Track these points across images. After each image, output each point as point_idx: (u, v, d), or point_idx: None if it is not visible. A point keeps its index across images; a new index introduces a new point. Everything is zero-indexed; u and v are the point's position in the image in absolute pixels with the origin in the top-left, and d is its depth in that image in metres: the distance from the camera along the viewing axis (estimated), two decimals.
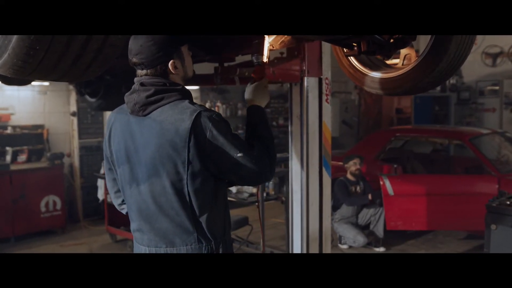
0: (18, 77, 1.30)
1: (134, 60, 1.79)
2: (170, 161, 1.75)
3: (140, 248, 1.91)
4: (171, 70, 1.81)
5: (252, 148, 1.80)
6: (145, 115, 1.79)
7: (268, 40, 2.23)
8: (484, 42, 9.19)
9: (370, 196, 5.80)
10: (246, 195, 5.14)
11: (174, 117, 1.73)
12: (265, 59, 2.21)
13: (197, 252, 1.80)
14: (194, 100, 1.88)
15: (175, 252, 1.81)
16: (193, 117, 1.70)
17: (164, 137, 1.74)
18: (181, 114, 1.72)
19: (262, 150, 1.82)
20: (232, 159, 1.73)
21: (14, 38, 1.16)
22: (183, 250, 1.81)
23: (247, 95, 2.09)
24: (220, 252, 1.85)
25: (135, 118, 1.82)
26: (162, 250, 1.83)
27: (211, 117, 1.72)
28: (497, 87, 9.32)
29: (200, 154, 1.73)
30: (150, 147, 1.78)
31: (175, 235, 1.80)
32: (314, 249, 3.63)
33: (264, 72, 2.17)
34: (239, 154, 1.73)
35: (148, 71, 1.80)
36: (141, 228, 1.88)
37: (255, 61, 2.19)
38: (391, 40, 2.33)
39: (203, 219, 1.80)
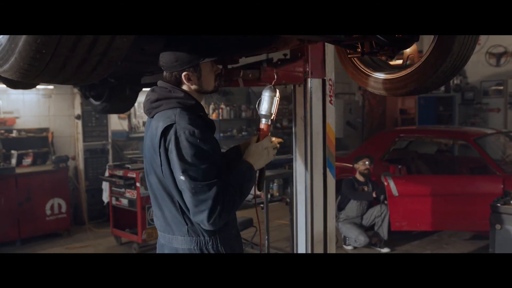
0: (25, 81, 1.32)
1: (159, 61, 1.97)
2: (153, 161, 1.91)
3: (158, 232, 2.06)
4: (184, 81, 1.95)
5: (205, 180, 1.77)
6: (152, 118, 1.96)
7: (278, 95, 2.09)
8: (488, 42, 9.18)
9: (374, 194, 5.81)
10: (250, 196, 5.13)
11: (158, 123, 1.87)
12: (273, 117, 2.11)
13: (188, 243, 1.92)
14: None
15: (173, 239, 1.96)
16: (164, 127, 1.83)
17: (150, 139, 1.92)
18: (163, 122, 1.86)
19: (215, 191, 1.77)
20: (177, 178, 1.81)
21: (21, 42, 1.18)
22: (179, 239, 1.94)
23: (246, 152, 2.05)
24: (210, 247, 1.93)
25: (150, 119, 1.99)
26: (166, 236, 1.98)
27: (178, 132, 1.80)
28: (501, 87, 9.30)
29: (168, 161, 1.84)
30: (147, 146, 1.97)
31: (175, 224, 1.94)
32: (319, 251, 3.62)
33: (269, 130, 2.12)
34: (181, 177, 1.78)
35: (167, 74, 1.98)
36: (156, 214, 2.03)
37: (263, 120, 2.09)
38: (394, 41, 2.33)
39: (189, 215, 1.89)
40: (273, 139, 2.12)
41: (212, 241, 1.93)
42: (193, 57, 1.91)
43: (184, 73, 1.93)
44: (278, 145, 2.12)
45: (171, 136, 1.81)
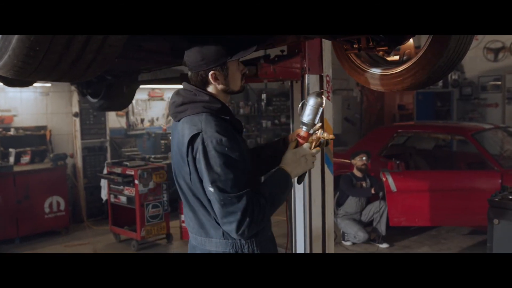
0: (19, 78, 1.32)
1: (184, 61, 1.90)
2: (182, 168, 1.87)
3: (190, 234, 2.02)
4: (211, 80, 1.88)
5: (234, 192, 1.72)
6: (178, 121, 1.91)
7: (323, 104, 1.96)
8: (486, 37, 9.18)
9: (373, 190, 5.82)
10: None
11: (184, 131, 1.82)
12: (316, 126, 1.98)
13: (223, 246, 1.87)
14: None
15: (207, 242, 1.91)
16: (191, 135, 1.78)
17: (177, 146, 1.87)
18: (188, 129, 1.80)
19: (244, 203, 1.72)
20: (206, 189, 1.77)
21: (14, 39, 1.18)
22: (214, 241, 1.89)
23: (284, 159, 1.96)
24: (245, 250, 1.88)
25: (175, 123, 1.94)
26: (198, 239, 1.94)
27: (206, 141, 1.75)
28: (499, 82, 9.30)
29: (196, 170, 1.80)
30: (174, 151, 1.94)
31: (210, 227, 1.88)
32: (317, 247, 3.63)
33: (308, 138, 1.99)
34: (210, 188, 1.74)
35: (192, 75, 1.91)
36: (188, 215, 1.98)
37: (304, 128, 1.98)
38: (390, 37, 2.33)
39: None
40: (313, 148, 1.97)
41: (248, 245, 1.88)
42: (220, 55, 1.84)
43: (211, 73, 1.86)
44: (315, 154, 1.99)
45: (198, 145, 1.76)
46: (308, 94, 2.00)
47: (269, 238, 2.00)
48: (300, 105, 2.03)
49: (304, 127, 1.98)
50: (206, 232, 1.90)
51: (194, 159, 1.78)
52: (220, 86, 1.90)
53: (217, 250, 1.88)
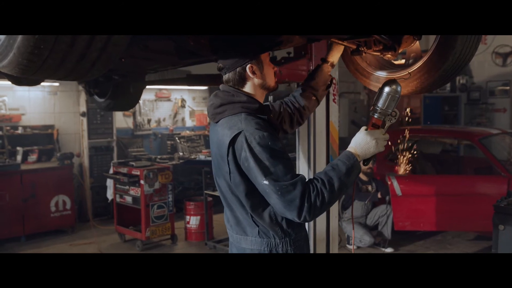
0: (24, 76, 1.33)
1: (219, 65, 1.96)
2: (221, 167, 1.91)
3: (228, 231, 2.07)
4: (249, 74, 1.93)
5: (288, 179, 1.74)
6: (216, 123, 1.95)
7: (398, 93, 1.94)
8: (494, 42, 9.13)
9: (379, 194, 5.79)
10: None
11: (224, 131, 1.86)
12: (392, 114, 1.96)
13: (258, 244, 1.92)
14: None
15: (242, 239, 1.96)
16: (233, 135, 1.81)
17: (217, 146, 1.92)
18: (229, 129, 1.84)
19: (301, 189, 1.73)
20: (260, 184, 1.78)
21: (19, 37, 1.18)
22: (249, 239, 1.94)
23: (353, 140, 1.98)
24: (280, 249, 1.91)
25: (214, 124, 1.99)
26: (234, 236, 2.00)
27: (249, 138, 1.78)
28: (507, 87, 9.25)
29: (239, 169, 1.83)
30: (213, 152, 2.00)
31: (247, 225, 1.93)
32: (322, 250, 3.62)
33: (381, 126, 1.98)
34: (265, 182, 1.75)
35: (230, 75, 1.95)
36: (226, 213, 2.04)
37: (376, 115, 1.97)
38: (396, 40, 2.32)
39: (260, 218, 1.89)
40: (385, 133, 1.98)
41: (283, 244, 1.91)
42: (254, 48, 1.91)
43: (248, 66, 1.91)
44: (387, 139, 1.99)
45: (242, 144, 1.78)
46: (385, 83, 1.97)
47: (304, 237, 2.02)
48: (376, 93, 1.99)
49: (375, 114, 1.97)
50: (242, 229, 1.95)
51: (235, 158, 1.82)
52: (257, 81, 1.95)
53: (252, 248, 1.93)
